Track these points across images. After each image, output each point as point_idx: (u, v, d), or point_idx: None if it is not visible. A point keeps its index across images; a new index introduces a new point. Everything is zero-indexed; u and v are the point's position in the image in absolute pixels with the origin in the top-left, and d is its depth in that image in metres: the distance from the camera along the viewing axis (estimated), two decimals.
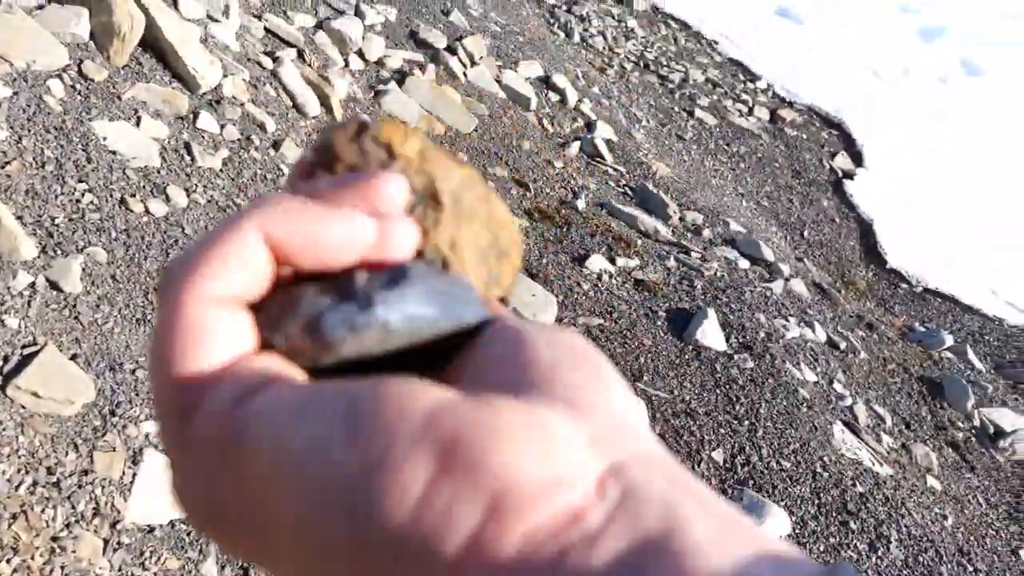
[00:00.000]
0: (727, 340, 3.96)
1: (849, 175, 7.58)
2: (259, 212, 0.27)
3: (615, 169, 5.52)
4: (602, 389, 0.26)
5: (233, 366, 0.26)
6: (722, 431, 3.37)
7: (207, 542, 2.06)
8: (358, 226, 0.28)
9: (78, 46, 3.18)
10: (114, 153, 2.89)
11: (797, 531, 3.04)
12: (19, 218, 2.42)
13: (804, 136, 7.88)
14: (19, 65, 2.92)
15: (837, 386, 4.12)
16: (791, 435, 3.48)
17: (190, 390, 0.25)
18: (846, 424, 3.83)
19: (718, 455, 3.24)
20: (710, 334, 3.90)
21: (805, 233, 6.56)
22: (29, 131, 2.72)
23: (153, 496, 2.05)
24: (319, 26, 4.77)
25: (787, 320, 4.42)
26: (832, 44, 9.75)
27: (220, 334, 0.26)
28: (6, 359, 2.08)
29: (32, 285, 2.30)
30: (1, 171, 2.52)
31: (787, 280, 4.98)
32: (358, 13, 5.14)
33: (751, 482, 3.16)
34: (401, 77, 4.94)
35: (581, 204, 4.79)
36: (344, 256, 0.28)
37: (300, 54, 4.36)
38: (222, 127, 3.42)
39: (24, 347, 2.14)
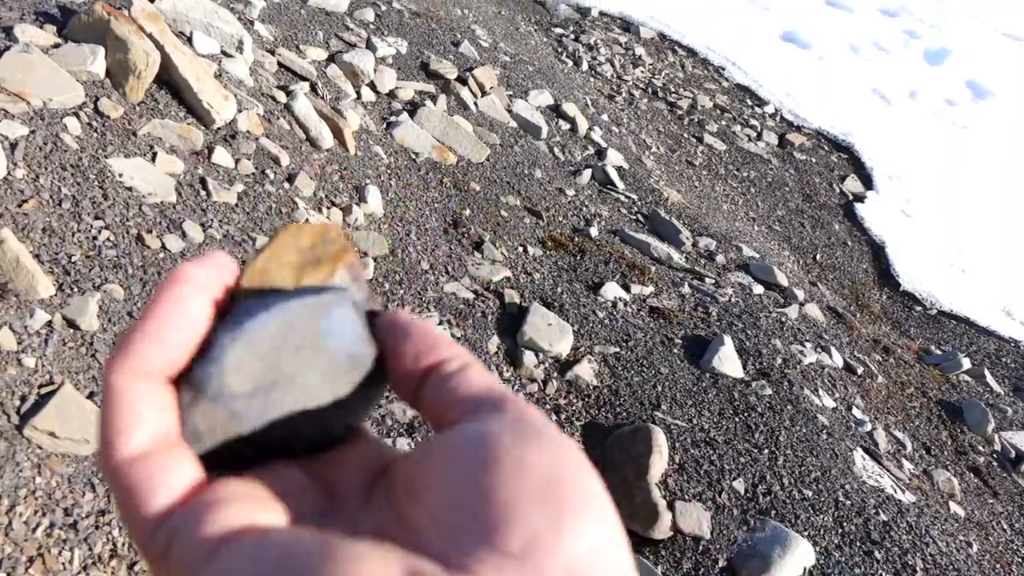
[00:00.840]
0: (744, 367, 3.92)
1: (859, 198, 7.56)
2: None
3: (627, 196, 5.52)
4: (568, 528, 0.26)
5: (195, 509, 0.29)
6: (742, 460, 3.32)
7: None
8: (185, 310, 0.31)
9: (94, 83, 3.21)
10: (130, 189, 2.90)
11: (821, 562, 2.99)
12: (36, 256, 2.43)
13: (813, 160, 7.88)
14: (36, 104, 2.95)
15: (856, 412, 4.07)
16: (812, 463, 3.43)
17: (158, 529, 0.29)
18: (866, 450, 3.78)
19: (739, 484, 3.19)
20: (727, 361, 3.86)
21: (817, 257, 6.53)
22: (46, 169, 2.74)
23: None
24: (331, 59, 4.81)
25: (803, 345, 4.38)
26: (839, 68, 9.78)
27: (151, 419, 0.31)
28: (23, 399, 2.07)
29: (49, 324, 2.29)
30: (19, 209, 2.53)
31: (802, 305, 4.95)
32: (369, 46, 5.18)
33: (773, 512, 3.11)
34: (413, 108, 4.97)
35: (594, 232, 4.78)
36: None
37: (313, 87, 4.40)
38: (237, 161, 3.44)
39: (41, 387, 2.13)
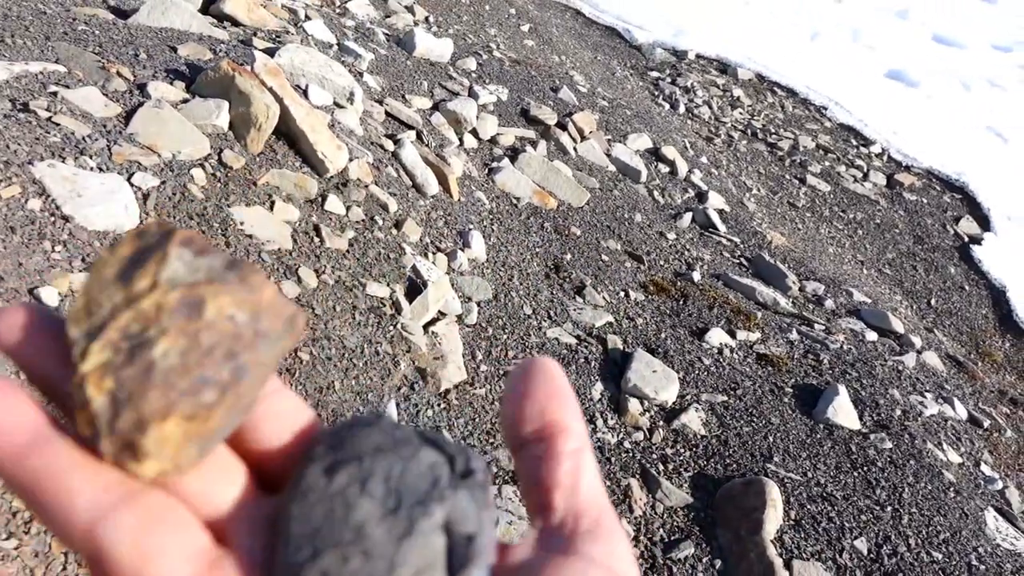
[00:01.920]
0: (860, 418, 3.74)
1: (976, 240, 7.19)
2: None
3: (729, 239, 5.41)
4: None
5: None
6: (863, 517, 3.14)
7: None
8: None
9: (218, 136, 3.37)
10: (250, 237, 3.02)
11: None
12: None
13: (924, 200, 7.56)
14: (166, 156, 3.11)
15: (985, 468, 3.81)
16: (940, 523, 3.21)
17: None
18: (999, 511, 3.52)
19: (861, 544, 3.01)
20: (842, 412, 3.69)
21: (932, 302, 6.22)
22: (175, 218, 2.88)
23: None
24: (436, 108, 4.93)
25: (923, 396, 4.15)
26: (949, 105, 9.41)
27: None
28: None
29: None
30: None
31: (919, 353, 4.70)
32: (471, 94, 5.30)
33: (900, 575, 2.92)
34: (514, 153, 5.03)
35: (696, 276, 4.69)
36: None
37: (419, 135, 4.51)
38: (348, 209, 3.54)
39: None
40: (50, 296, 2.29)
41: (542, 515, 0.32)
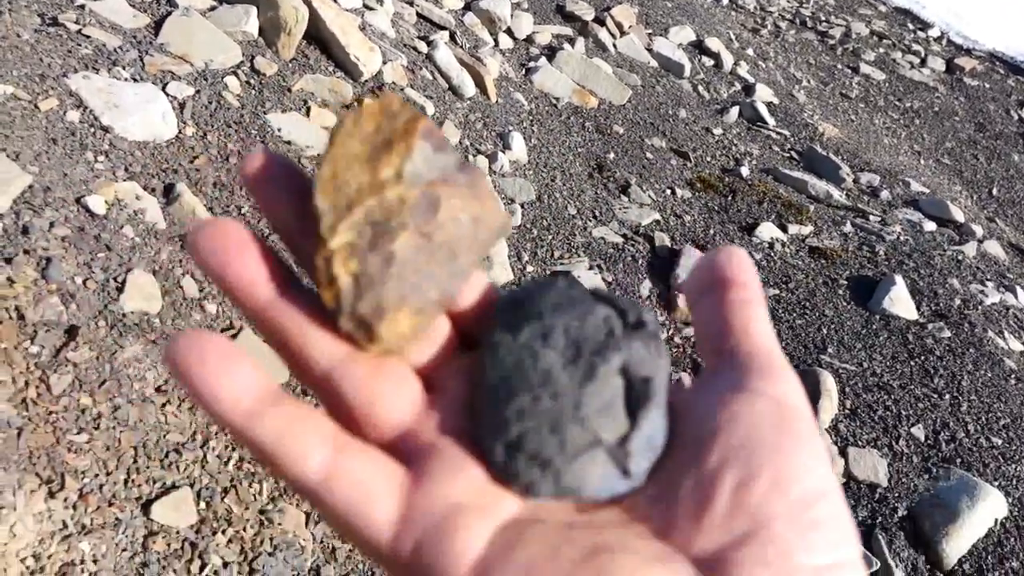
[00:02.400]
0: (918, 308, 3.64)
1: None
2: None
3: (778, 133, 5.21)
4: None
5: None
6: (920, 405, 3.09)
7: None
8: None
9: (249, 43, 3.30)
10: (289, 143, 2.99)
11: (1015, 513, 2.74)
12: (209, 209, 2.54)
13: (987, 85, 7.17)
14: (198, 65, 3.07)
15: None
16: (1000, 409, 3.15)
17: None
18: None
19: (918, 431, 2.97)
20: (899, 302, 3.59)
21: (994, 191, 5.97)
22: (212, 126, 2.85)
23: None
24: (468, 7, 4.77)
25: (984, 285, 4.01)
26: None
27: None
28: None
29: None
30: (191, 165, 2.66)
31: (980, 242, 4.53)
32: None
33: (958, 460, 2.88)
34: (551, 52, 4.86)
35: (745, 171, 4.55)
36: None
37: (452, 36, 4.38)
38: None
39: (223, 331, 2.23)
40: (97, 204, 2.30)
41: (715, 357, 0.33)
